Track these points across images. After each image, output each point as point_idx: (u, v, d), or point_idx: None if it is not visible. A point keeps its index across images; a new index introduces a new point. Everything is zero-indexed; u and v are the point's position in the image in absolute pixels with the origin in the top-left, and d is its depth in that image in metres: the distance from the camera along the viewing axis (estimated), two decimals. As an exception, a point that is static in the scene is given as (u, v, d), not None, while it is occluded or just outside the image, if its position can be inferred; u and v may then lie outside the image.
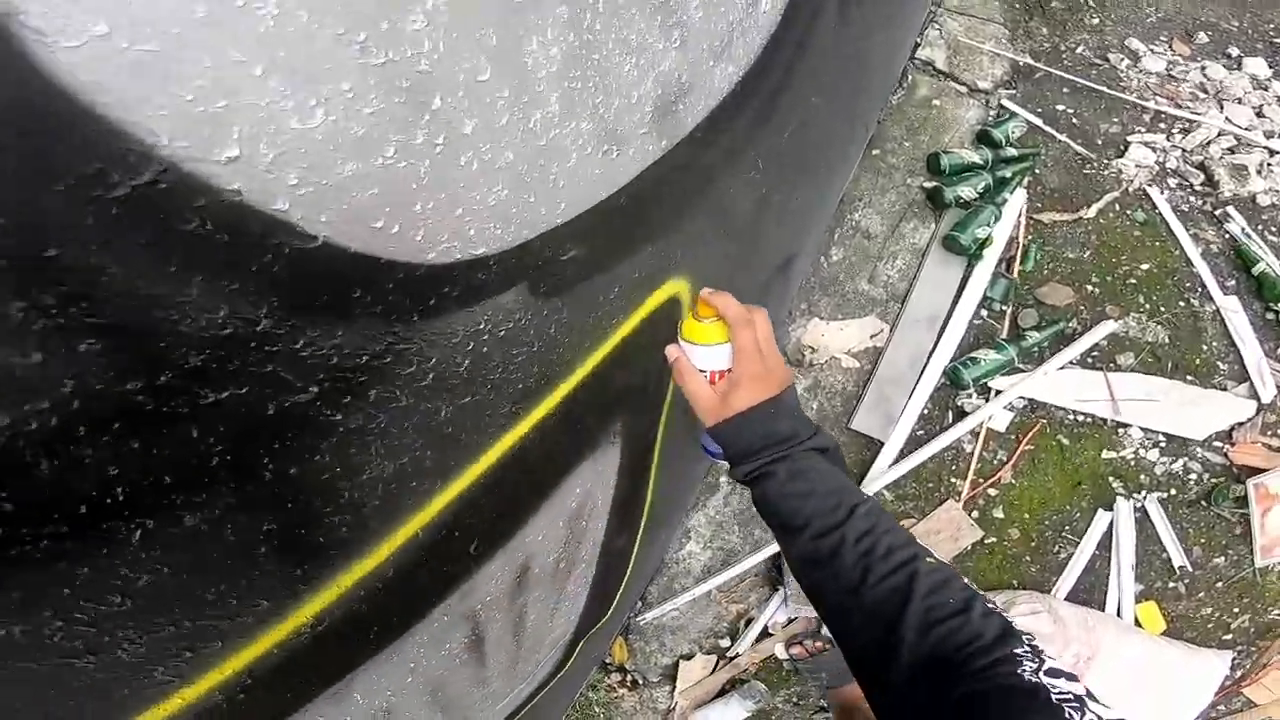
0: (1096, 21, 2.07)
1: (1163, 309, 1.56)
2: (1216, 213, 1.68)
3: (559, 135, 0.43)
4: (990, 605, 0.55)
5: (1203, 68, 1.97)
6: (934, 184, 1.60)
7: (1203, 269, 1.59)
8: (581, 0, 0.39)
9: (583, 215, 0.52)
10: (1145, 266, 1.59)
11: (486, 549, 0.64)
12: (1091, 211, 1.65)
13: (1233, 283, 1.61)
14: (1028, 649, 0.51)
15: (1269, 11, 2.20)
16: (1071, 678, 0.47)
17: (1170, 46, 2.03)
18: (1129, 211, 1.67)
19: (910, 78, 1.80)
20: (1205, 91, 1.92)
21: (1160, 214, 1.66)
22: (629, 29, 0.44)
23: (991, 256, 1.53)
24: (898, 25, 1.70)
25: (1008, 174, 1.64)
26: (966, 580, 0.57)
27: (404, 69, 0.30)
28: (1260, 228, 1.67)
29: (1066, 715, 0.44)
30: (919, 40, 1.87)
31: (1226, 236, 1.65)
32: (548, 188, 0.45)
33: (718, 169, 0.77)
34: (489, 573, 0.65)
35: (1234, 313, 1.55)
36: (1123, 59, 1.96)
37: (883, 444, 1.39)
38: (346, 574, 0.46)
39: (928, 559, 0.60)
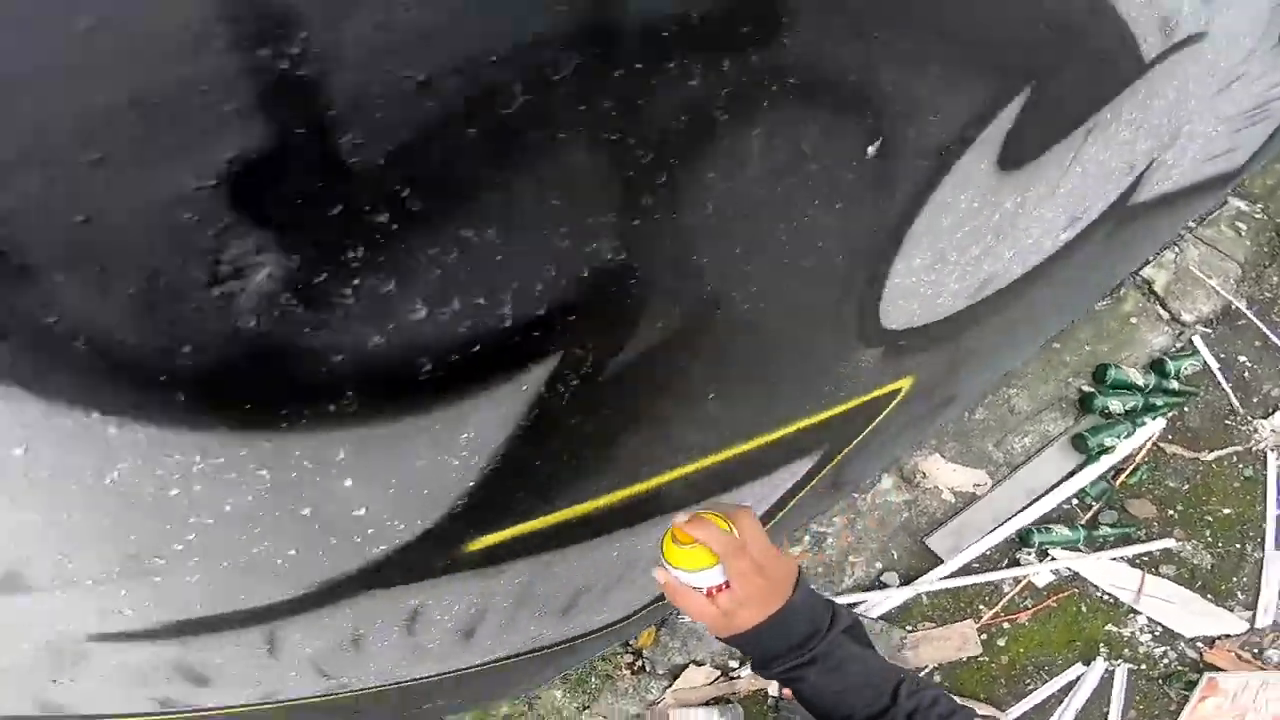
0: (1337, 273, 2.28)
1: (1220, 545, 2.00)
2: None
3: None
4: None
5: None
6: (1091, 390, 2.07)
7: (1270, 528, 1.99)
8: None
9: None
10: (1226, 511, 2.02)
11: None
12: (1209, 456, 2.06)
13: None
14: None
15: None
16: None
17: (1394, 323, 2.22)
18: (1241, 465, 2.06)
19: (1124, 289, 2.23)
20: None
21: (1265, 476, 2.05)
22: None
23: (1107, 462, 2.07)
24: (1142, 250, 2.14)
25: (1159, 403, 2.07)
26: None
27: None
28: None
29: None
30: (1152, 258, 2.26)
31: None
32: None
33: (974, 333, 1.33)
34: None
35: (1275, 563, 1.97)
36: (1334, 325, 2.22)
37: (942, 561, 2.01)
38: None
39: (975, 718, 0.65)
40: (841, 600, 1.86)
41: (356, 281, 0.36)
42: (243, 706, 0.88)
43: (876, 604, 1.91)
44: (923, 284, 1.00)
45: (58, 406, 0.32)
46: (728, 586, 0.69)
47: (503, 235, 0.41)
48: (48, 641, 0.56)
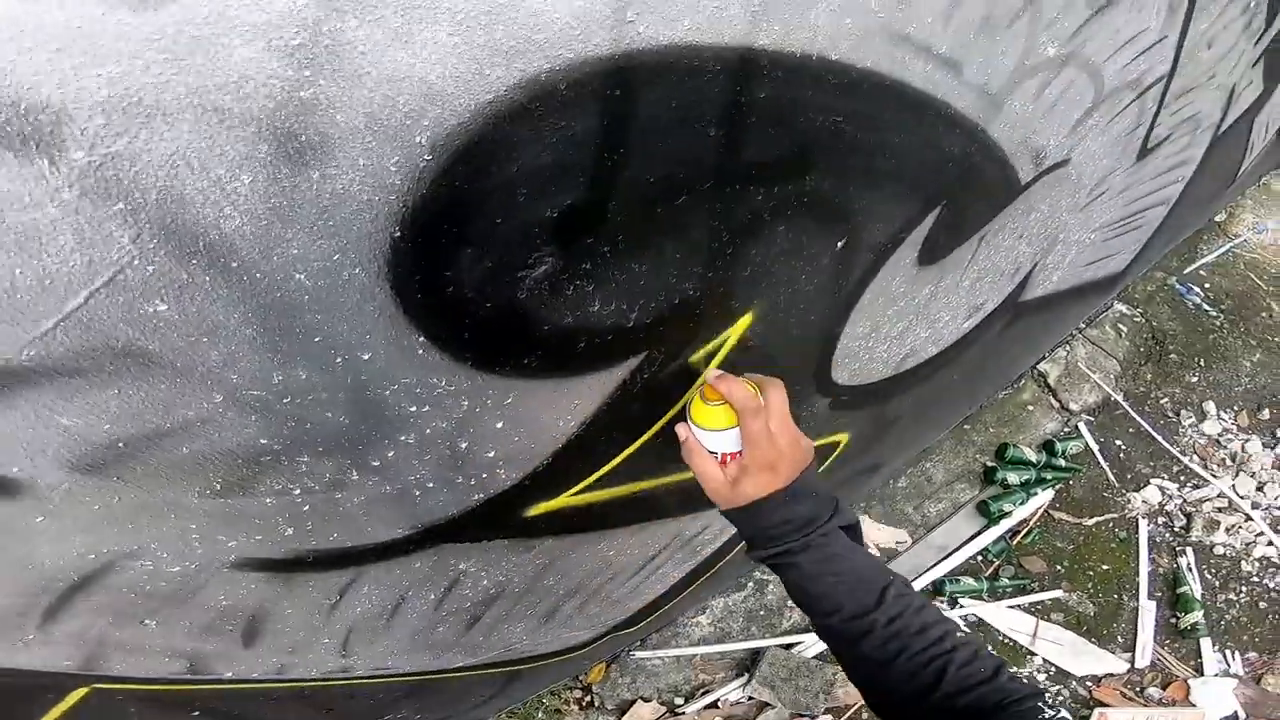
0: (1195, 380, 2.73)
1: (1100, 596, 2.31)
2: (1177, 547, 2.39)
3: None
4: (1014, 670, 0.62)
5: (1245, 440, 2.60)
6: (994, 464, 2.44)
7: (1143, 582, 2.32)
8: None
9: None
10: (1105, 567, 2.35)
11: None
12: (1090, 521, 2.42)
13: (1159, 594, 2.31)
14: (1046, 703, 0.58)
15: None
16: None
17: (1236, 416, 2.68)
18: (1116, 530, 2.42)
19: (1023, 380, 2.64)
20: (1233, 460, 2.57)
21: (1137, 538, 2.40)
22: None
23: (1004, 525, 2.40)
24: (1038, 345, 2.55)
25: (1048, 477, 2.44)
26: (990, 651, 0.65)
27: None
28: (1203, 566, 2.36)
29: None
30: (1046, 355, 2.69)
31: (1175, 565, 2.36)
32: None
33: (897, 401, 1.65)
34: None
35: (1148, 611, 2.27)
36: (1190, 417, 2.64)
37: None
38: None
39: (957, 633, 0.66)
40: (780, 641, 2.10)
41: (572, 284, 0.64)
42: (253, 683, 0.92)
43: (811, 645, 2.14)
44: (861, 349, 1.31)
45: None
46: (739, 456, 0.70)
47: (640, 275, 0.70)
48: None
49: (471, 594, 1.05)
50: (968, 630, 0.80)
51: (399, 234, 0.49)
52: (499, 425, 0.75)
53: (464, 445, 0.75)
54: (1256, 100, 2.17)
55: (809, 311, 1.05)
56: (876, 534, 2.38)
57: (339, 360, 0.56)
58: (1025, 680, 0.67)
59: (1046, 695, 0.59)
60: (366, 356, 0.57)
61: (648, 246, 0.68)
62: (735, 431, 0.71)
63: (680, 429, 0.76)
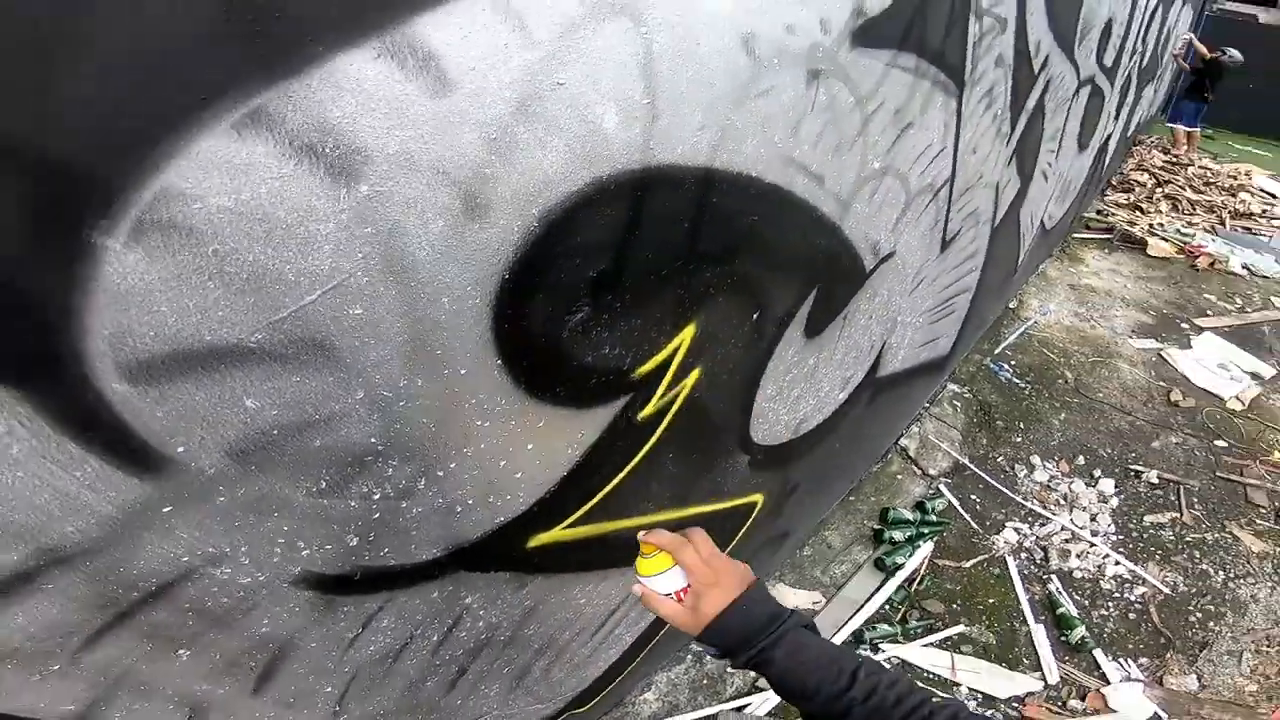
0: (1019, 439, 3.30)
1: (996, 626, 2.59)
2: (1044, 576, 2.76)
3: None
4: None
5: (1070, 482, 3.12)
6: (880, 526, 2.82)
7: (1026, 608, 2.63)
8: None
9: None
10: (991, 600, 2.66)
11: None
12: (968, 564, 2.79)
13: (1044, 617, 2.61)
14: None
15: (1135, 443, 3.34)
16: None
17: (1058, 465, 3.24)
18: (991, 568, 2.79)
19: (890, 455, 3.08)
20: (1065, 500, 3.07)
21: (1009, 573, 2.79)
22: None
23: (900, 576, 2.71)
24: (896, 422, 2.97)
25: (925, 531, 2.80)
26: (972, 705, 0.85)
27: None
28: (1070, 589, 2.72)
29: None
30: (904, 432, 3.16)
31: (1047, 591, 2.72)
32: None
33: (796, 466, 1.90)
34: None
35: (1039, 633, 2.56)
36: (1023, 469, 3.17)
37: None
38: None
39: (933, 700, 0.69)
40: (730, 705, 2.22)
41: (596, 329, 0.89)
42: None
43: (758, 705, 2.27)
44: (770, 409, 1.61)
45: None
46: (689, 589, 0.79)
47: (635, 328, 0.97)
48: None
49: (467, 636, 1.12)
50: (943, 697, 0.77)
51: (507, 277, 0.73)
52: (530, 447, 0.95)
53: (503, 463, 0.95)
54: (1017, 195, 2.78)
55: (736, 372, 1.34)
56: (793, 598, 2.60)
57: (446, 372, 0.76)
58: None
59: None
60: (463, 372, 0.78)
61: (643, 306, 0.95)
62: (677, 570, 0.81)
63: (635, 588, 0.84)
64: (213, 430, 0.61)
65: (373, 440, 0.76)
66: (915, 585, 2.72)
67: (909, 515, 2.85)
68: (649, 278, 0.93)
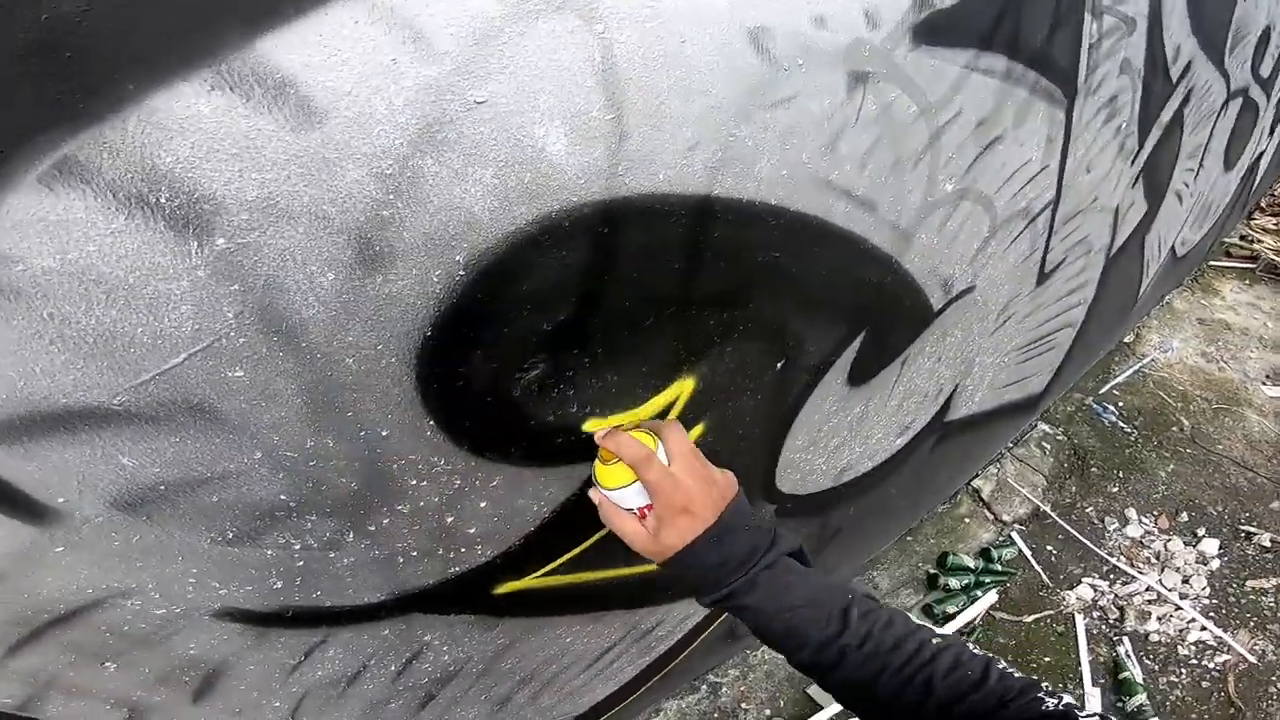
0: (1115, 490, 2.95)
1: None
2: (1114, 637, 2.48)
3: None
4: (1004, 666, 0.59)
5: (1167, 540, 2.77)
6: (935, 571, 2.58)
7: (1085, 670, 2.38)
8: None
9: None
10: (1048, 659, 2.40)
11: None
12: (1030, 619, 2.52)
13: (1103, 680, 2.36)
14: (1047, 692, 0.55)
15: (1252, 502, 2.94)
16: (1088, 710, 0.50)
17: (1156, 520, 2.88)
18: (1055, 625, 2.50)
19: (959, 495, 2.82)
20: (1158, 559, 2.72)
21: (1075, 631, 2.49)
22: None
23: (952, 626, 2.50)
24: (970, 463, 2.72)
25: (987, 580, 2.57)
26: (973, 647, 0.62)
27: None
28: (1142, 653, 2.44)
29: None
30: (978, 473, 2.88)
31: (1114, 654, 2.43)
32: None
33: (839, 512, 1.76)
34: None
35: (1093, 698, 2.31)
36: (1114, 523, 2.83)
37: (823, 707, 2.28)
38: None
39: (934, 640, 0.62)
40: (739, 743, 2.11)
41: (558, 387, 0.77)
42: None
43: (772, 744, 2.15)
44: (802, 460, 1.44)
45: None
46: (652, 509, 0.67)
47: (611, 385, 0.84)
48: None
49: (431, 668, 1.07)
50: (943, 635, 0.68)
51: (430, 334, 0.63)
52: (483, 505, 0.86)
53: (450, 520, 0.85)
54: (1142, 220, 2.44)
55: (756, 424, 1.19)
56: (827, 637, 2.43)
57: (362, 434, 0.67)
58: (1018, 675, 0.61)
59: (1044, 684, 0.56)
60: (385, 433, 0.69)
61: (619, 360, 0.83)
62: (638, 484, 0.70)
63: (592, 493, 0.74)
64: (90, 485, 0.57)
65: (282, 497, 0.69)
66: (966, 636, 2.49)
67: (970, 562, 2.60)
68: (627, 328, 0.80)
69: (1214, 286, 4.38)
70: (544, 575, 1.09)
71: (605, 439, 0.72)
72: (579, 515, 1.00)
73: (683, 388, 0.94)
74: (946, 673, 0.59)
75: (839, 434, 1.47)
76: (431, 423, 0.71)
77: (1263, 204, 5.41)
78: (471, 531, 0.89)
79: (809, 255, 1.01)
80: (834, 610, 0.64)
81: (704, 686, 2.23)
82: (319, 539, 0.76)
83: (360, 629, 0.90)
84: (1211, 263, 4.58)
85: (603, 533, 1.07)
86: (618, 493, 0.71)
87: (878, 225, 1.10)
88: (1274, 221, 5.10)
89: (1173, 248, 3.10)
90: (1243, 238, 4.89)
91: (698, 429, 1.05)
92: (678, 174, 0.72)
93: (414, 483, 0.77)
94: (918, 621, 0.67)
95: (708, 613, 1.68)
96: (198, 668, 0.79)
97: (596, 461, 0.74)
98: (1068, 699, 0.54)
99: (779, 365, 1.11)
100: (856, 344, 1.28)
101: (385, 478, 0.74)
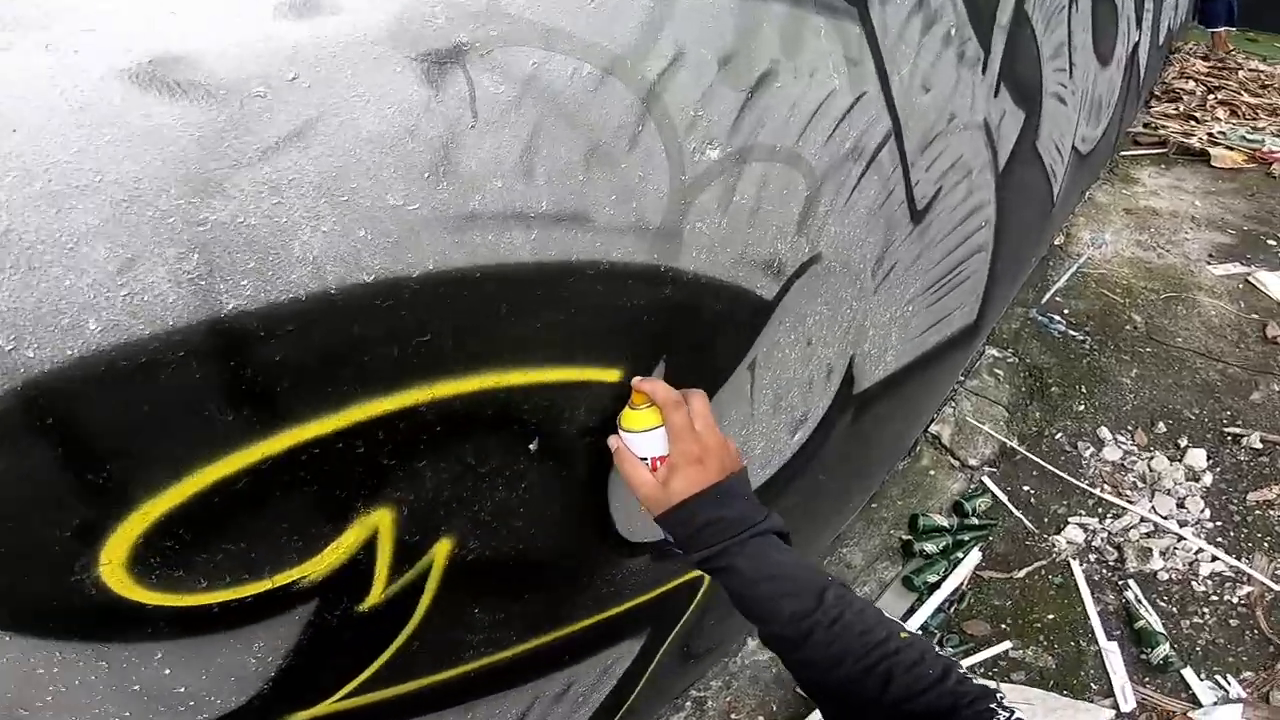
0: (1081, 408, 2.77)
1: (1057, 646, 2.21)
2: (1119, 582, 2.33)
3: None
4: (964, 672, 0.60)
5: (1150, 458, 2.60)
6: (909, 538, 2.40)
7: (1096, 622, 2.21)
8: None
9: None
10: (1051, 616, 2.25)
11: None
12: (1021, 574, 2.35)
13: (1118, 632, 2.20)
14: (1000, 704, 0.56)
15: (1229, 398, 2.77)
16: None
17: (1133, 436, 2.70)
18: (1051, 576, 2.35)
19: (919, 448, 2.64)
20: (1144, 481, 2.56)
21: (1074, 580, 2.35)
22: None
23: (938, 598, 2.32)
24: (916, 416, 2.55)
25: (965, 538, 2.39)
26: (939, 651, 0.62)
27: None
28: (1153, 595, 2.29)
29: None
30: (935, 416, 2.71)
31: (1123, 600, 2.29)
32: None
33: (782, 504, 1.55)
34: None
35: (1112, 653, 2.15)
36: (1089, 447, 2.64)
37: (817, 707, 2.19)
38: None
39: (901, 634, 0.64)
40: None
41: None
42: None
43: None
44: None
45: None
46: (667, 459, 0.72)
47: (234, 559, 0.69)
48: None
49: None
50: (912, 632, 0.68)
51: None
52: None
53: (138, 688, 0.70)
54: (1024, 127, 2.26)
55: (536, 510, 0.94)
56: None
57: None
58: (977, 683, 0.61)
59: (1000, 695, 0.57)
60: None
61: (222, 532, 0.67)
62: (661, 431, 0.74)
63: (611, 440, 0.78)
64: None
65: None
66: (956, 605, 2.32)
67: (943, 521, 2.44)
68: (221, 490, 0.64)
69: (1132, 175, 4.25)
70: (343, 699, 0.92)
71: (642, 382, 0.77)
72: (332, 651, 0.85)
73: (373, 524, 0.76)
74: (908, 667, 0.60)
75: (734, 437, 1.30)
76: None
77: (1157, 92, 5.52)
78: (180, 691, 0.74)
79: (496, 309, 0.74)
80: (812, 588, 0.66)
81: (688, 704, 2.09)
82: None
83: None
84: (1123, 153, 4.48)
85: (391, 652, 0.92)
86: (640, 436, 0.74)
87: (606, 237, 0.83)
88: (1174, 107, 5.24)
89: (1074, 147, 2.95)
90: (1146, 125, 4.92)
91: (443, 545, 0.84)
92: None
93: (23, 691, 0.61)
94: (892, 619, 0.69)
95: (636, 655, 1.52)
96: None
97: (626, 408, 0.77)
98: (1020, 714, 0.55)
99: (531, 446, 0.85)
100: (658, 376, 1.05)
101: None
